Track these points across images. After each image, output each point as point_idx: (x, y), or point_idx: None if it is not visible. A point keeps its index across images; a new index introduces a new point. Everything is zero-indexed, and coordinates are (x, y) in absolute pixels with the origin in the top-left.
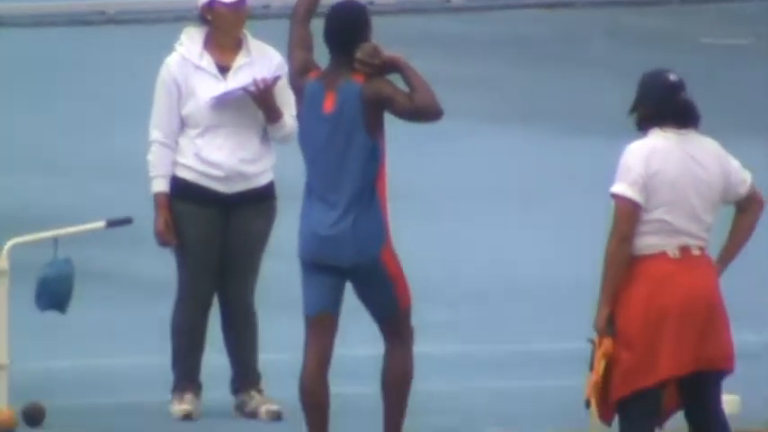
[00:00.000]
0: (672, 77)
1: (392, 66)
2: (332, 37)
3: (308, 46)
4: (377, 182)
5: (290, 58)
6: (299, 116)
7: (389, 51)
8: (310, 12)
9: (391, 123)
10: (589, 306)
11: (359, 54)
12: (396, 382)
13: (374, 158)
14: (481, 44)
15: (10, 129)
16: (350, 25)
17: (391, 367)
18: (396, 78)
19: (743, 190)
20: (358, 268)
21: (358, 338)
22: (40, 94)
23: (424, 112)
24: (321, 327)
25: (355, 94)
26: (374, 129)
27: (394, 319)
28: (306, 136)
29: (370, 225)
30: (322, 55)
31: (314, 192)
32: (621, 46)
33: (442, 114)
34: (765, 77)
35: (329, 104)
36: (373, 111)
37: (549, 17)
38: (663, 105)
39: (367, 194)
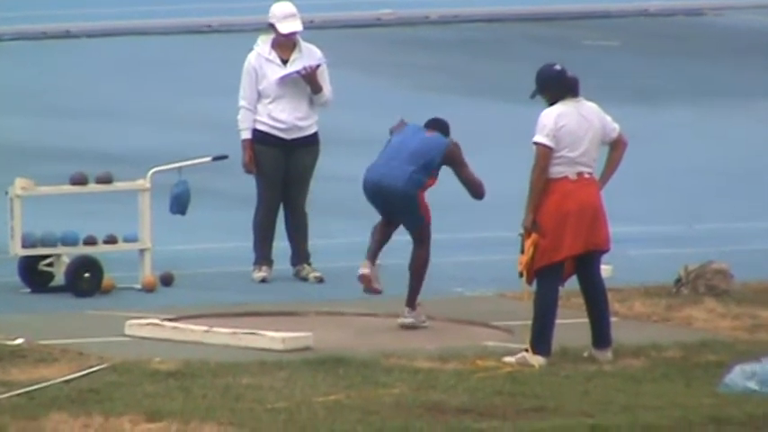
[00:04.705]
0: (557, 67)
1: None
2: (430, 124)
3: None
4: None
5: None
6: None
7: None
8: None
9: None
10: (518, 210)
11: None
12: (418, 267)
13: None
14: (447, 44)
15: (154, 102)
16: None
17: (416, 259)
18: None
19: (614, 135)
20: (400, 199)
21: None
22: (174, 77)
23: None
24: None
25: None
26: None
27: (419, 230)
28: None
29: (417, 179)
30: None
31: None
32: (531, 46)
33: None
34: (627, 67)
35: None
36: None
37: (486, 27)
38: (560, 88)
39: (421, 171)
